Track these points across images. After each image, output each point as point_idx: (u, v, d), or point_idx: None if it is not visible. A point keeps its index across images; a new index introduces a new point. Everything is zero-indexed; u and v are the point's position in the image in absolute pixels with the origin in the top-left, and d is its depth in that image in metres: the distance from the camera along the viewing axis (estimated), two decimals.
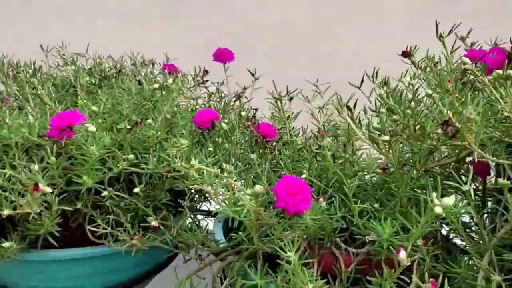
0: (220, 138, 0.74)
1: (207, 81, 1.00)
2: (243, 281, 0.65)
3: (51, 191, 0.54)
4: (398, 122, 0.60)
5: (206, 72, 1.00)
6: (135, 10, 1.84)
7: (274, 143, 0.81)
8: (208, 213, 0.87)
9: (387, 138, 0.57)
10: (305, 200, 0.55)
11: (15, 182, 0.59)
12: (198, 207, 0.87)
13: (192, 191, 0.85)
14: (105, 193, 0.65)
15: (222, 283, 0.72)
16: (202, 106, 0.93)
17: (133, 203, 0.69)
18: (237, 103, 0.98)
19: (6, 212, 0.53)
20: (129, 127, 0.66)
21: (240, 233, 0.69)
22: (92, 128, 0.60)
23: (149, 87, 0.85)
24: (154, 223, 0.63)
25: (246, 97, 1.00)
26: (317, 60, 1.64)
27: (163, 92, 0.85)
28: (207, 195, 0.89)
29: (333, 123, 0.87)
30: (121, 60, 1.06)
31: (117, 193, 0.65)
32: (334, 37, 1.63)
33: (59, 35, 1.11)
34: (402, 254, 0.52)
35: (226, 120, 0.76)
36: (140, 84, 0.97)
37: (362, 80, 0.73)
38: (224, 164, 0.55)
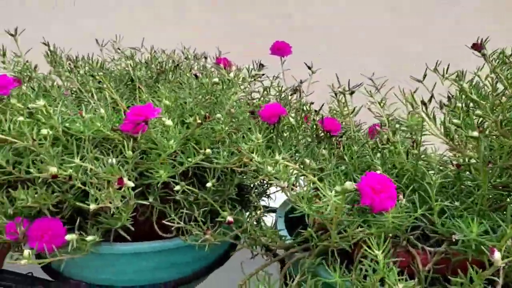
0: (288, 133, 0.73)
1: (263, 74, 0.99)
2: (315, 279, 0.63)
3: (133, 185, 0.54)
4: (484, 117, 0.58)
5: (261, 66, 0.98)
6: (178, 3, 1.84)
7: (339, 138, 0.79)
8: (267, 209, 0.87)
9: (476, 133, 0.55)
10: (391, 197, 0.53)
11: (92, 177, 0.59)
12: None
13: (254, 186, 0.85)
14: (177, 187, 0.64)
15: (286, 280, 0.71)
16: (259, 100, 0.92)
17: (202, 198, 0.69)
18: (294, 96, 0.96)
19: (92, 206, 0.53)
20: (199, 121, 0.66)
21: (309, 229, 0.68)
22: (168, 122, 0.59)
23: (209, 81, 0.84)
24: (230, 218, 0.62)
25: (303, 90, 0.99)
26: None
27: (224, 86, 0.84)
28: (269, 190, 0.88)
29: (392, 118, 0.85)
30: (173, 54, 1.06)
31: (189, 187, 0.65)
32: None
33: (104, 28, 1.11)
34: (497, 255, 0.50)
35: (292, 115, 0.75)
36: (196, 78, 0.96)
37: (425, 75, 0.71)
38: (306, 160, 0.54)
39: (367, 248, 0.51)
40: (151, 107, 0.62)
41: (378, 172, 0.67)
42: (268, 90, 0.97)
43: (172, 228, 0.66)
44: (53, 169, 0.53)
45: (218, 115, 0.70)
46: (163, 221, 0.66)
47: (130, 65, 0.95)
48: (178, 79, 0.95)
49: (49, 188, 0.61)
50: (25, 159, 0.66)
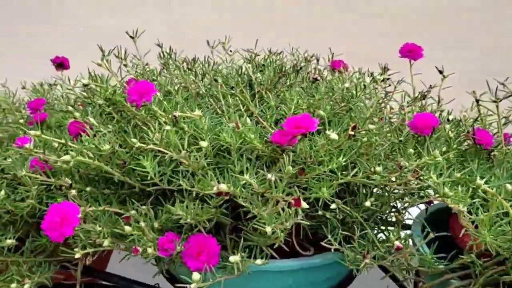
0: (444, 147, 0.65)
1: (388, 78, 0.92)
2: None
3: (308, 206, 0.49)
4: None
5: (387, 69, 0.92)
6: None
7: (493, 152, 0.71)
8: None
9: None
10: None
11: (248, 192, 0.55)
12: None
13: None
14: (333, 205, 0.59)
15: None
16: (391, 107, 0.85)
17: (349, 216, 0.63)
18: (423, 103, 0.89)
19: (268, 229, 0.49)
20: (351, 132, 0.60)
21: (471, 255, 0.61)
22: (334, 135, 0.54)
23: (341, 86, 0.79)
24: (397, 243, 0.56)
25: (431, 96, 0.91)
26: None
27: (358, 92, 0.78)
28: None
29: None
30: (283, 56, 1.01)
31: (344, 206, 0.60)
32: None
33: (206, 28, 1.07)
34: None
35: (447, 126, 0.68)
36: (315, 81, 0.91)
37: None
38: (508, 186, 0.47)
39: None
40: (309, 118, 0.57)
41: None
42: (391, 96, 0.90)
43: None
44: (223, 187, 0.49)
45: (371, 126, 0.64)
46: (322, 243, 0.61)
47: (249, 68, 0.91)
48: (299, 83, 0.91)
49: (201, 203, 0.57)
50: (167, 169, 0.64)
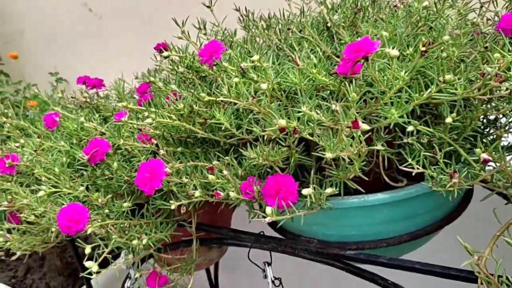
0: None
1: None
2: None
3: (369, 128, 0.48)
4: None
5: None
6: None
7: None
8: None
9: None
10: None
11: (315, 127, 0.55)
12: None
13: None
14: (410, 128, 0.56)
15: None
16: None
17: (435, 138, 0.59)
18: None
19: (329, 155, 0.49)
20: (423, 48, 0.55)
21: None
22: (394, 52, 0.51)
23: (419, 6, 0.73)
24: (485, 156, 0.51)
25: None
26: None
27: (437, 8, 0.71)
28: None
29: None
30: None
31: (423, 127, 0.56)
32: None
33: None
34: None
35: None
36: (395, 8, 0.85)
37: None
38: None
39: None
40: (369, 40, 0.55)
41: None
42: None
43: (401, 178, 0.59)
44: (282, 122, 0.51)
45: (445, 37, 0.59)
46: (401, 167, 0.59)
47: (324, 10, 0.88)
48: (377, 16, 0.86)
49: (275, 145, 0.59)
50: (244, 120, 0.66)
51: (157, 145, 0.62)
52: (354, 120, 0.47)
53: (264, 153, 0.56)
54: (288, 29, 0.85)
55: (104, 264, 0.73)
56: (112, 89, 1.17)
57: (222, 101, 0.62)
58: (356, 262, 0.72)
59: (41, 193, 0.74)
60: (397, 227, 0.70)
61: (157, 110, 0.62)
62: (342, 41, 0.78)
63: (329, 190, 0.56)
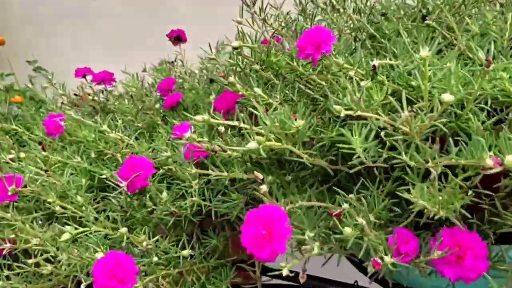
0: None
1: None
2: None
3: None
4: None
5: None
6: None
7: None
8: None
9: None
10: None
11: None
12: None
13: None
14: None
15: None
16: None
17: None
18: None
19: None
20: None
21: None
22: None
23: None
24: None
25: None
26: None
27: None
28: None
29: None
30: None
31: None
32: None
33: None
34: None
35: None
36: None
37: None
38: None
39: None
40: None
41: None
42: None
43: None
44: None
45: None
46: None
47: None
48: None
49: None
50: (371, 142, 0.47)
51: (262, 179, 0.42)
52: None
53: (440, 198, 0.37)
54: (383, 14, 0.65)
55: None
56: (127, 84, 0.95)
57: (348, 116, 0.42)
58: None
59: (65, 236, 0.52)
60: None
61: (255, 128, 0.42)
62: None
63: None
